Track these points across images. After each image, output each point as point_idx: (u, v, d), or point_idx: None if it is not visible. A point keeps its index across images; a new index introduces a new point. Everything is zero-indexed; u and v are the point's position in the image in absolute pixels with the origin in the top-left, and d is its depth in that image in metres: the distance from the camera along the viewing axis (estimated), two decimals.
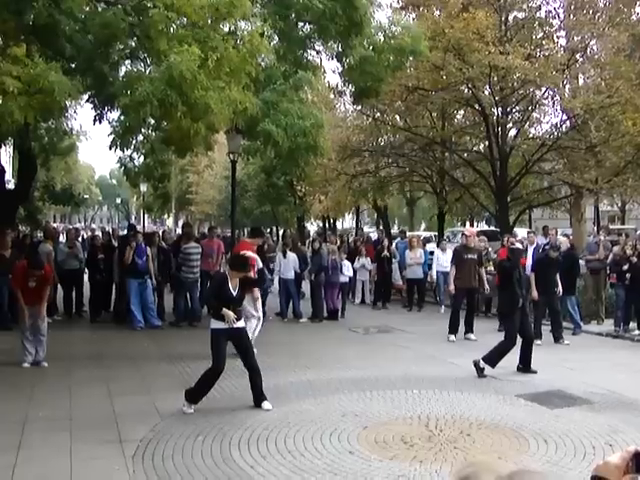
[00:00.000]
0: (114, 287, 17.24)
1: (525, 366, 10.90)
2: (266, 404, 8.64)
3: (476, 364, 10.59)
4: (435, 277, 19.29)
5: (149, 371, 11.09)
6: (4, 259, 14.97)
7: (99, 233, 25.97)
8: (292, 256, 17.28)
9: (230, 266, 9.49)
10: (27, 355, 11.39)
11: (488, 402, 9.06)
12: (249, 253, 9.47)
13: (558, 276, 13.95)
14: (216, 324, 8.65)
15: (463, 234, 15.61)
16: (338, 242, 21.70)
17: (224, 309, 8.57)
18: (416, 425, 7.96)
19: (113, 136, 11.24)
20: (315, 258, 17.53)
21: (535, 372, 10.74)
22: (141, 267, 15.69)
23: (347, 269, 18.51)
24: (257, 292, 12.52)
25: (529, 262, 15.45)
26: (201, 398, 8.63)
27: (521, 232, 23.15)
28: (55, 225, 38.69)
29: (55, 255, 16.62)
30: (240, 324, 8.84)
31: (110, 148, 11.49)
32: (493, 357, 10.67)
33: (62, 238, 20.14)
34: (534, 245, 16.80)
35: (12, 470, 6.47)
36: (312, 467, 6.58)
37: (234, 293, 8.78)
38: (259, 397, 8.71)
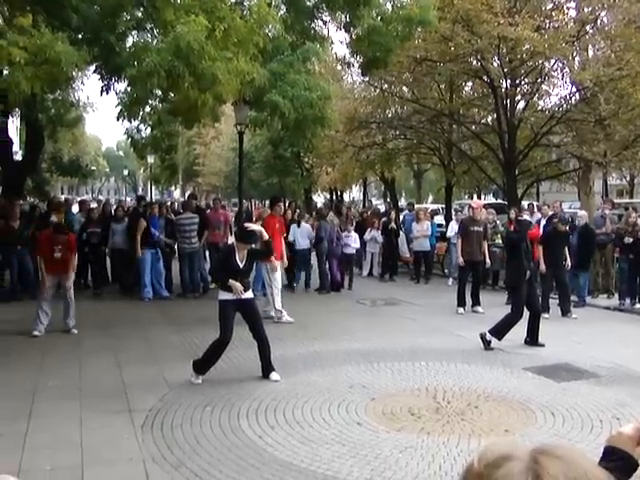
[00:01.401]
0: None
1: (532, 339, 10.91)
2: (274, 375, 8.68)
3: (482, 337, 10.61)
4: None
5: (157, 341, 11.16)
6: (13, 230, 15.04)
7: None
8: (306, 227, 17.37)
9: (236, 238, 9.52)
10: (38, 324, 11.55)
11: (495, 375, 9.09)
12: (254, 226, 9.47)
13: (567, 250, 13.96)
14: (224, 295, 8.68)
15: (470, 206, 15.58)
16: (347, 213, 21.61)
17: (231, 280, 8.60)
18: (424, 397, 7.99)
19: (120, 107, 11.20)
20: (317, 229, 17.60)
21: (542, 345, 10.75)
22: (156, 238, 15.74)
23: (354, 241, 18.51)
24: (275, 263, 12.62)
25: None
26: (209, 369, 8.67)
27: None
28: (63, 197, 38.71)
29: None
30: (248, 295, 8.86)
31: (117, 119, 11.45)
32: (500, 329, 10.68)
33: (75, 209, 20.19)
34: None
35: (24, 438, 6.53)
36: (320, 438, 6.62)
37: (240, 265, 8.78)
38: (267, 368, 8.75)
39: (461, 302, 14.25)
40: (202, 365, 8.65)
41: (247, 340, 8.97)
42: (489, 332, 10.64)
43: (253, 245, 9.14)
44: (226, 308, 8.64)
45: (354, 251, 18.67)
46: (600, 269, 16.00)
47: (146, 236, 15.63)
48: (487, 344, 10.55)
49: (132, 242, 16.02)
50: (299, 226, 17.25)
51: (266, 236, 9.18)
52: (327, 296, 16.68)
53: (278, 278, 13.08)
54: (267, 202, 39.53)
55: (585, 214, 15.85)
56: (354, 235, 18.70)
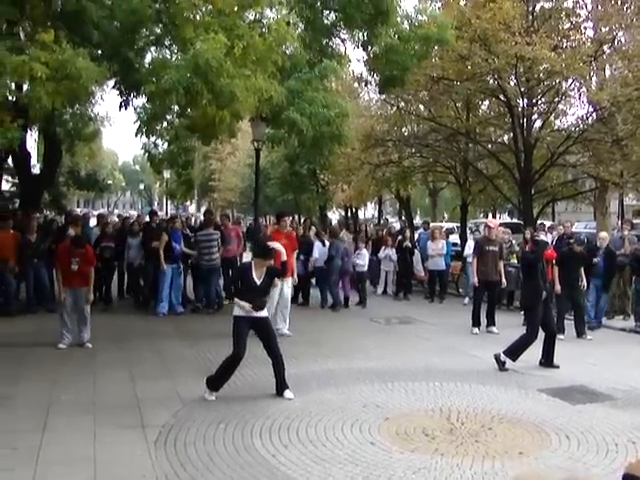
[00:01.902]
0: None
1: (547, 360, 10.84)
2: (288, 393, 8.66)
3: (497, 357, 10.56)
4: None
5: (171, 356, 11.18)
6: (30, 243, 15.13)
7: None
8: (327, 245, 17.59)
9: (255, 255, 9.51)
10: (65, 337, 11.61)
11: (510, 396, 9.03)
12: (275, 244, 9.45)
13: (583, 270, 13.92)
14: (238, 311, 8.68)
15: (486, 226, 15.53)
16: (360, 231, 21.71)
17: (237, 300, 8.64)
18: (437, 418, 7.96)
19: (139, 123, 11.28)
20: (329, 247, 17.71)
21: (557, 367, 10.68)
22: (178, 252, 15.76)
23: (363, 258, 18.55)
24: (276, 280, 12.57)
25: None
26: (222, 385, 8.66)
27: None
28: (79, 210, 38.91)
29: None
30: (263, 313, 8.84)
31: (136, 135, 11.55)
32: (514, 350, 10.62)
33: (92, 223, 20.24)
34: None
35: (37, 452, 6.54)
36: (333, 457, 6.59)
37: (258, 282, 8.77)
38: (281, 385, 8.73)
39: (476, 322, 14.19)
40: (215, 382, 8.64)
41: (261, 357, 8.97)
42: (504, 353, 10.59)
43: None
44: (240, 324, 8.62)
45: (365, 269, 18.67)
46: (617, 290, 15.91)
47: (168, 250, 15.63)
48: (501, 365, 10.50)
49: (146, 256, 16.08)
50: (324, 245, 17.48)
51: (284, 257, 9.19)
52: (341, 314, 16.64)
53: (275, 295, 12.83)
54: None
55: (607, 235, 15.77)
56: (364, 253, 18.73)
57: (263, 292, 9.00)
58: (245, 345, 8.58)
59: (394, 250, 20.07)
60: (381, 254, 20.29)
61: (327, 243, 17.51)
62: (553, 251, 14.31)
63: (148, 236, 16.38)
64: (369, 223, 34.05)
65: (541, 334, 10.87)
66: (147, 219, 19.45)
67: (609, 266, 14.77)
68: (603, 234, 15.94)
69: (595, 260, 14.51)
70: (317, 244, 17.63)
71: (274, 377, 8.77)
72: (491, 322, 14.31)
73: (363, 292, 18.19)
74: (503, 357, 10.55)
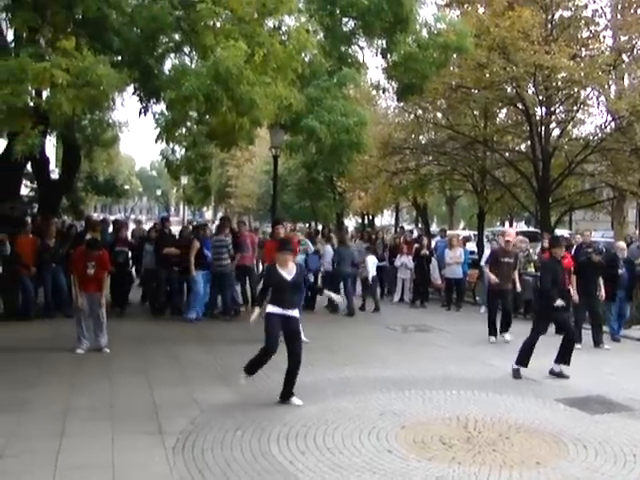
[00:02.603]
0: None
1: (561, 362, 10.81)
2: (295, 400, 8.65)
3: (513, 370, 10.61)
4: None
5: (187, 361, 11.20)
6: (49, 248, 15.23)
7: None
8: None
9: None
10: (82, 342, 11.66)
11: (527, 405, 8.99)
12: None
13: (601, 280, 13.86)
14: (270, 308, 8.61)
15: (504, 238, 15.39)
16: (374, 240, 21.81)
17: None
18: (455, 426, 7.93)
19: (159, 130, 11.34)
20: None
21: (567, 377, 10.61)
22: (209, 260, 15.81)
23: (370, 265, 18.65)
24: None
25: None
26: (256, 371, 8.68)
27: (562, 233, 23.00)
28: (95, 215, 39.07)
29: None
30: (295, 313, 8.74)
31: (156, 141, 11.59)
32: (522, 356, 10.66)
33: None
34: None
35: (55, 457, 6.58)
36: (351, 465, 6.59)
37: (288, 278, 8.65)
38: (289, 392, 8.70)
39: (492, 331, 14.14)
40: (250, 367, 8.65)
41: (279, 364, 8.95)
42: (515, 363, 10.64)
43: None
44: (271, 320, 8.53)
45: (371, 275, 18.71)
46: (635, 301, 15.82)
47: (199, 257, 15.67)
48: (516, 373, 10.52)
49: (157, 263, 16.22)
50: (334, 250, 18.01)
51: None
52: (357, 321, 16.63)
53: None
54: (299, 224, 39.71)
55: (624, 245, 15.65)
56: (371, 259, 18.80)
57: (296, 289, 8.88)
58: (277, 339, 8.51)
59: (410, 258, 20.07)
60: (397, 262, 20.30)
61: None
62: (571, 260, 14.26)
63: (160, 243, 16.39)
64: (386, 230, 33.95)
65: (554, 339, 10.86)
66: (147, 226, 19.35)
67: (631, 276, 14.68)
68: (621, 244, 15.81)
69: (620, 271, 14.40)
70: (327, 248, 18.05)
71: (283, 383, 8.74)
72: (504, 329, 14.22)
73: (374, 298, 18.45)
74: (515, 366, 10.65)
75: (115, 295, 16.30)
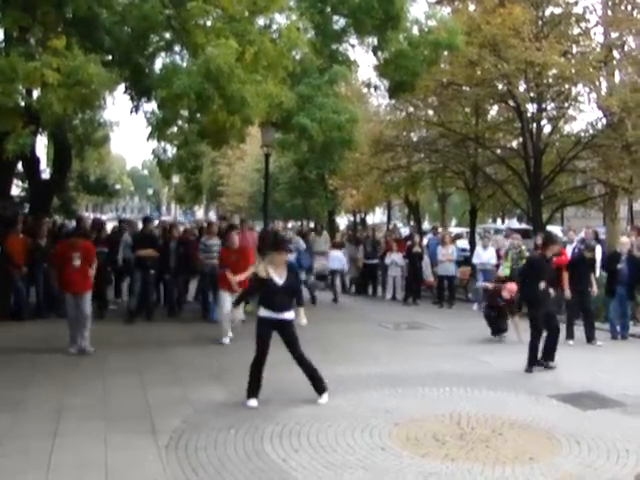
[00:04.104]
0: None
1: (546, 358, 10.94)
2: (324, 397, 8.68)
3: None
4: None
5: (181, 361, 11.18)
6: (40, 247, 15.18)
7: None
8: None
9: (270, 248, 9.11)
10: (75, 342, 11.53)
11: (520, 401, 9.02)
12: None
13: (593, 276, 13.87)
14: (262, 312, 8.58)
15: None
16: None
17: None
18: (448, 423, 7.94)
19: (150, 128, 11.32)
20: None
21: (554, 368, 10.76)
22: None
23: (334, 259, 20.47)
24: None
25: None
26: (257, 389, 8.56)
27: (554, 230, 23.04)
28: (86, 214, 38.94)
29: None
30: (288, 315, 8.66)
31: (148, 140, 11.58)
32: (531, 359, 10.78)
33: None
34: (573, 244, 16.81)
35: (49, 457, 6.57)
36: (344, 462, 6.59)
37: (280, 282, 8.55)
38: (319, 386, 8.74)
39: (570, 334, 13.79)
40: (249, 389, 8.56)
41: (271, 362, 8.93)
42: (526, 368, 10.76)
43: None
44: (261, 324, 8.52)
45: (337, 267, 20.59)
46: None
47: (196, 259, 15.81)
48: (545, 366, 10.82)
49: (135, 263, 15.92)
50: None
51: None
52: (349, 319, 16.68)
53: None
54: (290, 223, 39.66)
55: (627, 241, 15.49)
56: (335, 254, 20.62)
57: (288, 292, 8.68)
58: (266, 345, 8.50)
59: (400, 255, 20.12)
60: (387, 260, 20.35)
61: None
62: (566, 256, 14.25)
63: (139, 244, 15.69)
64: (378, 228, 33.93)
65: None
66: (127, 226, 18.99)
67: (633, 272, 14.34)
68: (624, 239, 15.54)
69: (619, 266, 14.31)
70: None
71: (309, 380, 8.76)
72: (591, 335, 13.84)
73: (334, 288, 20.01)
74: (529, 368, 10.75)
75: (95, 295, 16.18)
